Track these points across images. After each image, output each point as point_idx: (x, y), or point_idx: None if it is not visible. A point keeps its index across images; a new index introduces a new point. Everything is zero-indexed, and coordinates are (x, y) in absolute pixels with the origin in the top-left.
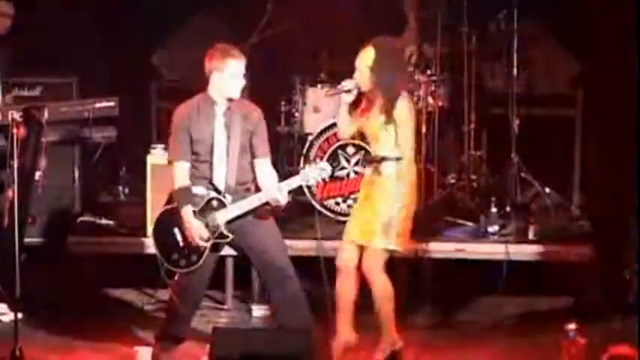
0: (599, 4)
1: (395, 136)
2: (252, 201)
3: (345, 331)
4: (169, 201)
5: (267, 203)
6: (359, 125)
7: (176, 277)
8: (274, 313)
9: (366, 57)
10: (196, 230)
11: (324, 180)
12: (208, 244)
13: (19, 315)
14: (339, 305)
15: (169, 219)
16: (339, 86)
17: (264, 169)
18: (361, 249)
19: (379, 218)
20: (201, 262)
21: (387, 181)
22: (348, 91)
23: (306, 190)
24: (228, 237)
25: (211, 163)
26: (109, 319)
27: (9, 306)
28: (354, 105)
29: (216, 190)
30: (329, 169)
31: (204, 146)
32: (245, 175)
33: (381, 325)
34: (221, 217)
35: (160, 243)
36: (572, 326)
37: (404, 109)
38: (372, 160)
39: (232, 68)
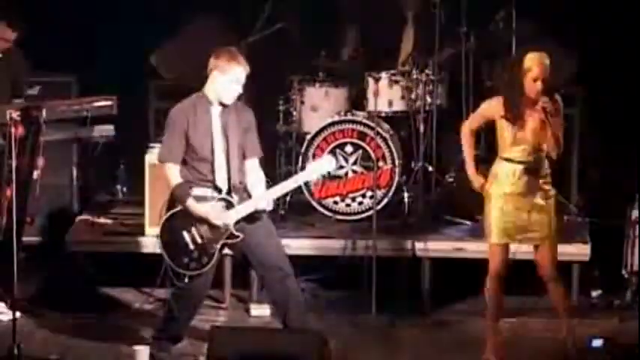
0: (599, 3)
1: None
2: (258, 200)
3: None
4: (170, 205)
5: None
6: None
7: (186, 280)
8: (274, 312)
9: (547, 65)
10: (212, 213)
11: (329, 173)
12: (218, 245)
13: (18, 314)
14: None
15: (177, 223)
16: (544, 106)
17: (254, 167)
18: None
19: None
20: (212, 263)
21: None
22: None
23: (304, 188)
24: (238, 237)
25: (212, 165)
26: (108, 318)
27: (7, 305)
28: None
29: (219, 190)
30: (334, 163)
31: (203, 148)
32: (244, 173)
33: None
34: (231, 218)
35: (168, 247)
36: None
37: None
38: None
39: (236, 74)
